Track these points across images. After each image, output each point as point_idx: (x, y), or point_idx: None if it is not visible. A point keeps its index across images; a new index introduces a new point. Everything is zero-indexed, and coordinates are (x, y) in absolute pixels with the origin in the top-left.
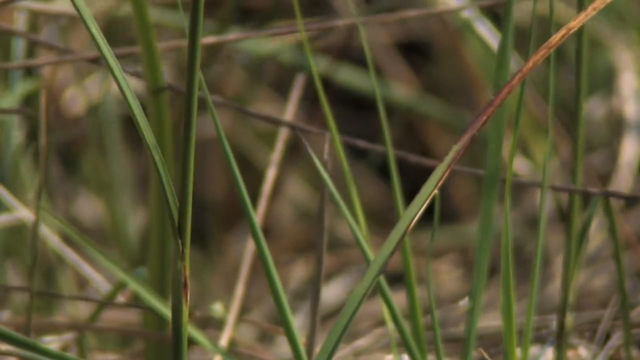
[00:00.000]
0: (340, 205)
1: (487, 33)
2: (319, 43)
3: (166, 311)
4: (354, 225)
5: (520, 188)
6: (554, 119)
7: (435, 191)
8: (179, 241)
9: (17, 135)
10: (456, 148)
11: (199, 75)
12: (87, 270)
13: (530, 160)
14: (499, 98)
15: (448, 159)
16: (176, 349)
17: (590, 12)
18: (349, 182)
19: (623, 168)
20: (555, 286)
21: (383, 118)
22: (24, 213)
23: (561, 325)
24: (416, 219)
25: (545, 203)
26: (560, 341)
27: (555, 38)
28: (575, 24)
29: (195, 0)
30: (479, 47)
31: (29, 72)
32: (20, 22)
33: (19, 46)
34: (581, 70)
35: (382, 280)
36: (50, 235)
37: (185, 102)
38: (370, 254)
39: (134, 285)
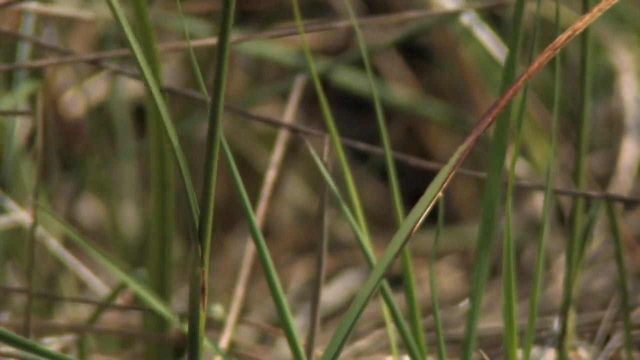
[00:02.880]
0: (341, 207)
1: (486, 36)
2: (319, 44)
3: (166, 313)
4: (356, 227)
5: (520, 190)
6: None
7: (440, 193)
8: (199, 246)
9: (18, 136)
10: (461, 149)
11: (196, 77)
12: (86, 273)
13: (530, 162)
14: (504, 99)
15: (453, 160)
16: (192, 354)
17: (595, 13)
18: (349, 183)
19: (623, 170)
20: (555, 288)
21: (381, 121)
22: (23, 215)
23: (563, 328)
24: (420, 221)
25: (548, 207)
26: (562, 343)
27: (561, 39)
28: (580, 25)
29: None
30: (479, 49)
31: (30, 73)
32: (27, 24)
33: (24, 48)
34: (586, 73)
35: (385, 282)
36: (49, 239)
37: (209, 113)
38: (372, 256)
39: (134, 287)
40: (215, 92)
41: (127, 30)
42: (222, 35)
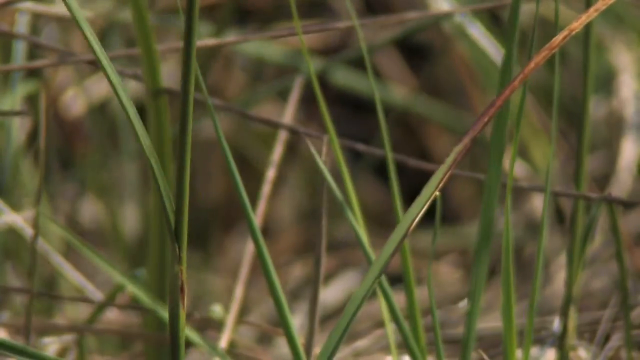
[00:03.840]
0: (343, 206)
1: (484, 35)
2: (318, 44)
3: (165, 313)
4: (356, 225)
5: (519, 190)
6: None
7: (437, 193)
8: (176, 245)
9: (17, 136)
10: (457, 149)
11: (196, 78)
12: (80, 279)
13: (529, 163)
14: (500, 99)
15: (449, 160)
16: (174, 352)
17: (592, 13)
18: (347, 183)
19: (622, 169)
20: (553, 288)
21: (382, 121)
22: (22, 216)
23: (564, 327)
24: (417, 220)
25: (547, 207)
26: (562, 343)
27: (558, 39)
28: (577, 25)
29: (190, 3)
30: (478, 49)
31: (30, 73)
32: (21, 23)
33: (19, 48)
34: (588, 75)
35: (384, 281)
36: (46, 246)
37: (181, 107)
38: (372, 255)
39: (132, 289)
40: (184, 100)
41: (88, 31)
42: (188, 33)
